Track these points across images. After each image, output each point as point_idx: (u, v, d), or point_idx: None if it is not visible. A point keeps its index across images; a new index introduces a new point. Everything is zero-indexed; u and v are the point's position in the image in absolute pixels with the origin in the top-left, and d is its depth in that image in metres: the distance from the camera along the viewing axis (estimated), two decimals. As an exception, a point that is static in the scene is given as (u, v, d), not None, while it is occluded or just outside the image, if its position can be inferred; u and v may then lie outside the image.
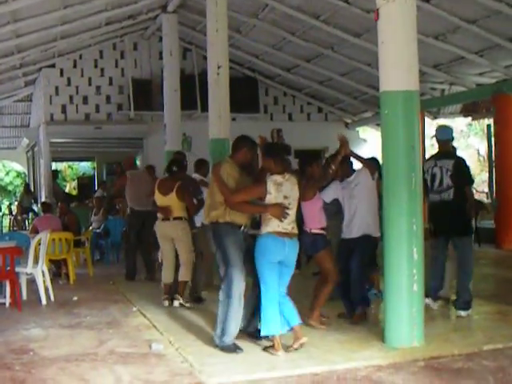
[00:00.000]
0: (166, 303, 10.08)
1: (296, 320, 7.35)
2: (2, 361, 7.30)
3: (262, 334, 7.33)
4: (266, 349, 7.28)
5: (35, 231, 12.52)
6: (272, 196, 7.19)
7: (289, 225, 7.26)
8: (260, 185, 7.32)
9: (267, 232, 7.22)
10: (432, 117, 21.88)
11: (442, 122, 20.46)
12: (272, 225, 7.21)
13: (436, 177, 9.11)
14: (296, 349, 7.20)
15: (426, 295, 8.31)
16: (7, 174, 35.73)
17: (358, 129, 23.58)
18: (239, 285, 7.43)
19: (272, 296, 7.26)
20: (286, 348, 7.23)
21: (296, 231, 7.38)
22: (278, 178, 7.28)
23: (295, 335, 7.31)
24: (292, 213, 7.32)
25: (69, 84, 20.50)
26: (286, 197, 7.26)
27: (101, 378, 6.60)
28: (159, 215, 10.35)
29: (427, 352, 7.11)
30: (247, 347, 7.45)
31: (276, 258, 7.25)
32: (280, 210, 7.18)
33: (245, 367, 6.75)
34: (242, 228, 7.59)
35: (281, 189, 7.25)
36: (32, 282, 11.06)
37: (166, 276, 10.44)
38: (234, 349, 7.32)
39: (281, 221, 7.19)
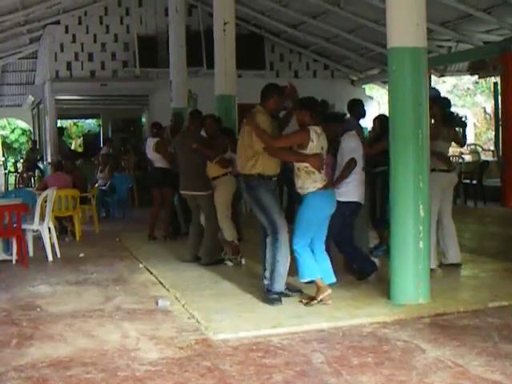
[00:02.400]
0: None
1: (331, 278, 7.55)
2: (10, 317, 7.36)
3: (304, 279, 7.48)
4: (308, 302, 7.43)
5: (44, 188, 12.50)
6: (314, 144, 7.28)
7: (326, 176, 7.47)
8: (304, 131, 7.34)
9: (318, 188, 7.34)
10: (439, 74, 21.79)
11: (448, 79, 20.35)
12: (319, 180, 7.34)
13: None
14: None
15: None
16: (12, 131, 35.69)
17: (364, 86, 23.49)
18: (284, 230, 7.57)
19: (307, 244, 7.47)
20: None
21: None
22: (317, 128, 7.36)
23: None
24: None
25: (74, 41, 20.45)
26: (322, 148, 7.40)
27: (108, 333, 6.64)
28: None
29: (433, 309, 7.14)
30: (255, 303, 7.51)
31: (329, 212, 7.51)
32: (319, 161, 7.30)
33: (251, 323, 6.78)
34: (274, 179, 7.75)
35: (320, 139, 7.34)
36: (38, 238, 11.15)
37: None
38: (278, 299, 7.52)
39: (319, 172, 7.32)
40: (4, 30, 19.64)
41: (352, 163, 8.43)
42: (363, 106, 10.20)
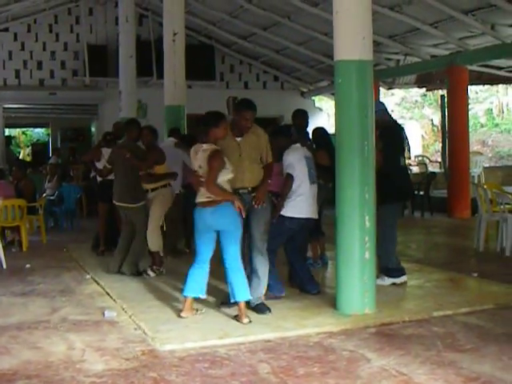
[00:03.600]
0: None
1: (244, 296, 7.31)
2: (-47, 329, 7.26)
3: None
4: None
5: (-12, 198, 12.37)
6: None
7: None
8: (215, 153, 7.25)
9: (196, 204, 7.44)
10: (387, 87, 22.06)
11: (396, 92, 20.58)
12: (198, 197, 7.37)
13: None
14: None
15: None
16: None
17: (313, 98, 23.63)
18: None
19: (198, 260, 7.49)
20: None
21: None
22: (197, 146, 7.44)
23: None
24: None
25: (23, 49, 20.23)
26: (200, 166, 7.31)
27: (53, 345, 6.59)
28: None
29: (378, 319, 7.23)
30: (203, 315, 7.51)
31: (204, 229, 7.39)
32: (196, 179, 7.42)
33: (198, 334, 6.78)
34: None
35: (196, 157, 7.37)
36: (-16, 249, 10.99)
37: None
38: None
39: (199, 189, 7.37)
40: (-48, 37, 19.40)
41: (288, 180, 8.26)
42: (306, 116, 10.25)
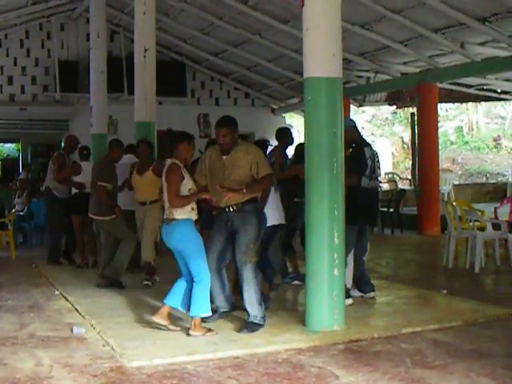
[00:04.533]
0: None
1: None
2: None
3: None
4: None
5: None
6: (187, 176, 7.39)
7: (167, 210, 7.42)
8: (173, 168, 7.35)
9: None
10: (357, 104, 22.19)
11: (367, 109, 20.70)
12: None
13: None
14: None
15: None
16: None
17: (284, 115, 23.69)
18: None
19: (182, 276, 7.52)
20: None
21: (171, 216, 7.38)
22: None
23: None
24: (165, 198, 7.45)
25: (-7, 63, 20.10)
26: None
27: (20, 362, 6.53)
28: None
29: (347, 335, 7.24)
30: (171, 331, 7.47)
31: (168, 245, 7.51)
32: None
33: (166, 351, 6.77)
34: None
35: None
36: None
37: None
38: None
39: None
40: None
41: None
42: (291, 133, 10.35)
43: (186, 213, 7.33)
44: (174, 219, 7.28)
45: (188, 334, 7.26)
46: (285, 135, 10.35)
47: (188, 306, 7.41)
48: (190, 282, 7.39)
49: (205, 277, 7.33)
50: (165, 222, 7.41)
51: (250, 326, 7.47)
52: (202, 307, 7.29)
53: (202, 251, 7.40)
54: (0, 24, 19.05)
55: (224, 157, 7.65)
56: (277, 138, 10.32)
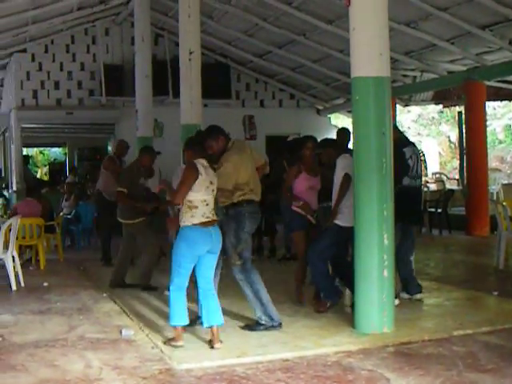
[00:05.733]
0: None
1: (217, 320, 7.08)
2: (-29, 347, 7.25)
3: (173, 323, 7.12)
4: (167, 341, 7.16)
5: (14, 215, 12.39)
6: (202, 178, 7.01)
7: (210, 212, 7.12)
8: (190, 167, 7.12)
9: (193, 224, 6.97)
10: (403, 104, 21.99)
11: (413, 109, 20.50)
12: (198, 216, 6.97)
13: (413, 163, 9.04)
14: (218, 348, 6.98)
15: None
16: (-22, 159, 35.37)
17: (329, 115, 23.57)
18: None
19: (183, 285, 7.08)
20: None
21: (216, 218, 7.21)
22: (203, 161, 7.15)
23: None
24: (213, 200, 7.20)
25: (40, 69, 20.26)
26: (211, 182, 7.13)
27: (70, 363, 6.56)
28: None
29: (397, 338, 7.15)
30: (220, 332, 7.42)
31: (204, 250, 7.06)
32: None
33: (215, 353, 6.75)
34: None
35: (207, 171, 7.10)
36: (2, 267, 10.96)
37: None
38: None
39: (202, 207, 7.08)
40: (-30, 57, 19.54)
41: (346, 181, 8.23)
42: (347, 133, 10.21)
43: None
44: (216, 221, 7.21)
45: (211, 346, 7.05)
46: (341, 135, 10.21)
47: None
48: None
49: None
50: (213, 225, 7.15)
51: (253, 326, 7.71)
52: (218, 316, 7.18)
53: None
54: (46, 30, 19.24)
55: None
56: (337, 138, 10.21)
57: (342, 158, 8.47)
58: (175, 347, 6.93)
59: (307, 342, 7.07)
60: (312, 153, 8.88)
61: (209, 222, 7.03)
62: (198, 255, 7.05)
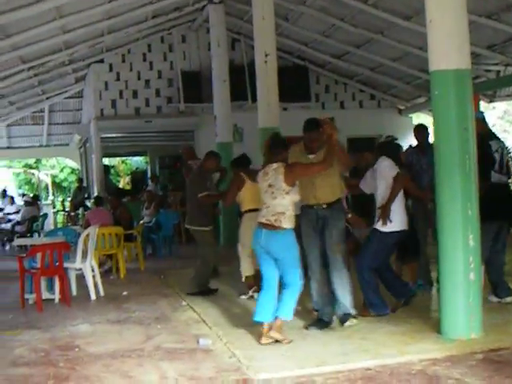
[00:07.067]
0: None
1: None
2: (47, 357, 7.24)
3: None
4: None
5: (88, 224, 12.47)
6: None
7: (272, 216, 7.20)
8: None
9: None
10: (488, 100, 21.36)
11: (498, 105, 19.91)
12: (258, 217, 7.41)
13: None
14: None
15: None
16: (62, 170, 36.08)
17: (411, 115, 23.12)
18: None
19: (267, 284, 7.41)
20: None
21: (278, 224, 7.19)
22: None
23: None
24: (274, 203, 7.22)
25: (118, 79, 20.48)
26: (270, 185, 7.25)
27: (145, 374, 6.46)
28: None
29: (486, 344, 6.79)
30: (299, 340, 7.26)
31: (258, 248, 7.38)
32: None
33: (294, 362, 6.53)
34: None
35: (269, 175, 7.29)
36: (83, 277, 10.96)
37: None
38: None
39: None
40: (50, 69, 19.72)
41: (399, 180, 8.07)
42: (425, 130, 9.89)
43: (292, 222, 7.30)
44: (279, 227, 7.18)
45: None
46: (418, 132, 9.92)
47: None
48: (278, 287, 7.36)
49: (299, 283, 7.31)
50: (267, 227, 7.24)
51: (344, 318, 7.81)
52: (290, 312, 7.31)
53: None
54: (122, 39, 19.42)
55: (311, 156, 7.79)
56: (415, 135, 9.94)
57: (383, 159, 8.22)
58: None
59: (390, 349, 6.79)
60: None
61: (260, 222, 7.38)
62: (259, 253, 7.50)
